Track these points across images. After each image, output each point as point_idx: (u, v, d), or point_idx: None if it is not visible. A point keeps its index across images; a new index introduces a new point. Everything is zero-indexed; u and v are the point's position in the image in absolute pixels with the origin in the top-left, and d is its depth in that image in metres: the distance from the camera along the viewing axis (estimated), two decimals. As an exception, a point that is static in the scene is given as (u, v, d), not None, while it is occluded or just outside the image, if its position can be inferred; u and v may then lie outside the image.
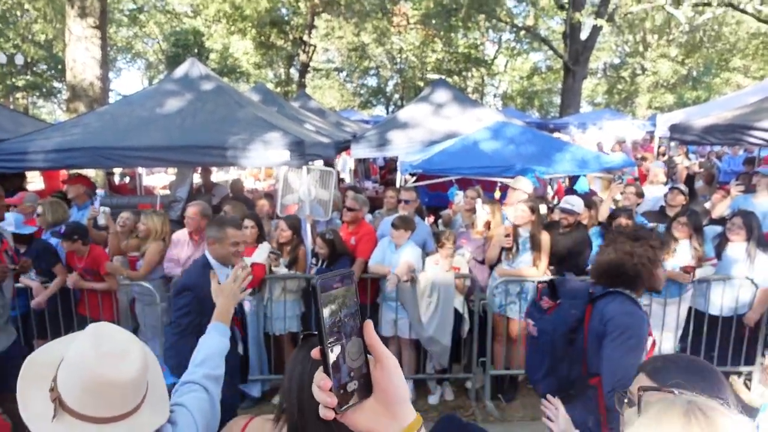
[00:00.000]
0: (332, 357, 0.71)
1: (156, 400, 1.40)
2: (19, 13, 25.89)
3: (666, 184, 7.03)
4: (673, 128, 7.64)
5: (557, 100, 29.41)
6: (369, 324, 0.75)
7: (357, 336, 0.73)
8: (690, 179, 7.60)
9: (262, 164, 6.26)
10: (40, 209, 5.14)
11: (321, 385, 0.71)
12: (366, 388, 0.73)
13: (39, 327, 4.59)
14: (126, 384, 1.28)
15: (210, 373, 1.73)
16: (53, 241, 4.77)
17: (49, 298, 4.49)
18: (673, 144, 10.55)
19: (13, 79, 26.58)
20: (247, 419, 1.54)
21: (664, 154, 11.34)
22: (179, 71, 6.70)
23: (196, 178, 8.85)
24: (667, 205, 5.61)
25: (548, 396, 2.03)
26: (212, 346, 1.81)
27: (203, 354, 1.78)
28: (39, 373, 1.32)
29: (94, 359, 1.25)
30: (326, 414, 0.72)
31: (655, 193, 6.53)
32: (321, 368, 0.72)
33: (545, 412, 1.97)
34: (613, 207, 5.54)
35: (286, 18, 25.51)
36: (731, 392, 1.29)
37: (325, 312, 0.70)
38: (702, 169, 8.79)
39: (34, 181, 9.56)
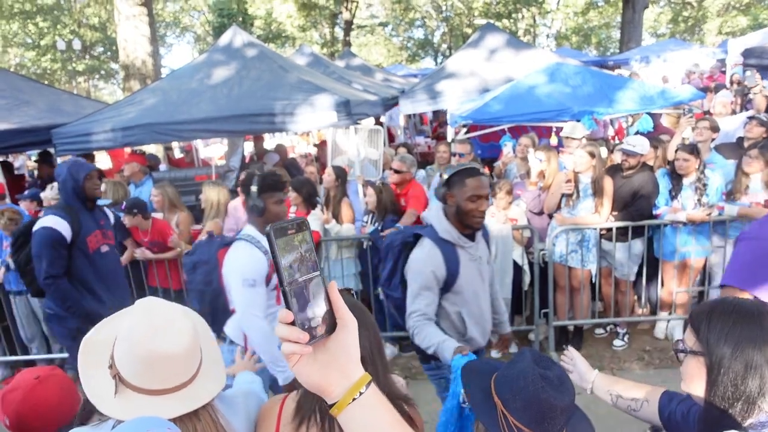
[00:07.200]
0: (295, 298, 0.72)
1: (210, 368, 1.43)
2: (72, -1, 26.78)
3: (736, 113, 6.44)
4: (748, 53, 6.99)
5: (616, 34, 27.67)
6: (333, 285, 0.77)
7: (320, 278, 0.75)
8: (770, 107, 6.95)
9: (310, 127, 6.24)
10: (103, 187, 5.37)
11: (282, 318, 0.72)
12: (330, 325, 0.76)
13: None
14: (179, 356, 1.30)
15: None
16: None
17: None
18: (749, 73, 9.69)
19: (73, 64, 27.74)
20: (281, 400, 1.54)
21: (739, 83, 10.45)
22: (223, 41, 6.72)
23: (249, 147, 8.97)
24: (745, 138, 5.17)
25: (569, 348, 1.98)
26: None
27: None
28: (97, 351, 1.36)
29: (146, 334, 1.27)
30: (291, 349, 0.72)
31: (725, 126, 6.00)
32: (284, 306, 0.73)
33: (565, 366, 1.86)
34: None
35: (327, -25, 25.07)
36: None
37: (284, 255, 0.72)
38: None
39: (102, 162, 10.01)
